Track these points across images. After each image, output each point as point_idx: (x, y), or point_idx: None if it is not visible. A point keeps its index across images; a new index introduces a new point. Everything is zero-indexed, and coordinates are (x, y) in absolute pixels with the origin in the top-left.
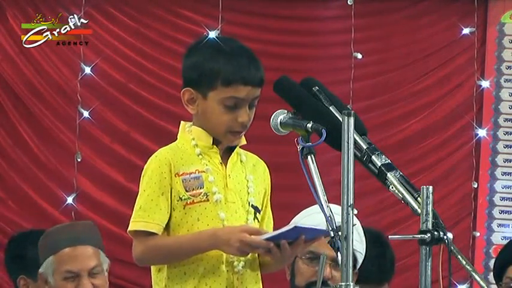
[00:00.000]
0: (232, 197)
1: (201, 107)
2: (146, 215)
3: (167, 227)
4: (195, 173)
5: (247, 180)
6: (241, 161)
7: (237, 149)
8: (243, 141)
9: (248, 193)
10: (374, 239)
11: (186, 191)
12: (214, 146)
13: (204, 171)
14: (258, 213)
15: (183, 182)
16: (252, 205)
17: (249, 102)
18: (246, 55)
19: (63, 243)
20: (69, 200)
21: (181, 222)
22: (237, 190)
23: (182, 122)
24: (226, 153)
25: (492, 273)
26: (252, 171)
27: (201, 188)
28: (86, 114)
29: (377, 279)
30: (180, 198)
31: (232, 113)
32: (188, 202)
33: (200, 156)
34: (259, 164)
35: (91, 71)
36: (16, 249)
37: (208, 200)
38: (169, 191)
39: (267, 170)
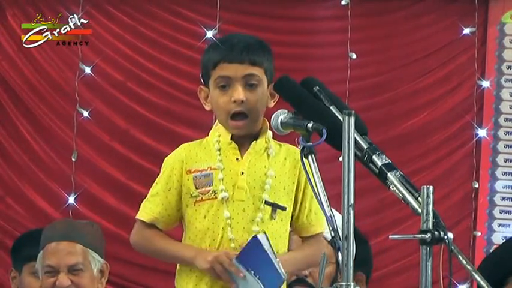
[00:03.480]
0: (241, 195)
1: (210, 99)
2: (149, 206)
3: (183, 223)
4: (207, 170)
5: (267, 176)
6: (268, 155)
7: (264, 142)
8: (267, 133)
9: (264, 190)
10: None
11: (196, 188)
12: (233, 142)
13: (215, 169)
14: (280, 210)
15: (194, 179)
16: (268, 202)
17: (243, 81)
18: (236, 39)
19: (51, 239)
20: (71, 199)
21: (191, 218)
22: (250, 187)
23: None
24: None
25: (487, 275)
26: (278, 166)
27: (210, 185)
28: (85, 114)
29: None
30: (191, 195)
31: (226, 94)
32: (197, 199)
33: (218, 153)
34: (292, 157)
35: (91, 70)
36: (15, 244)
37: (216, 198)
38: (176, 188)
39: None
